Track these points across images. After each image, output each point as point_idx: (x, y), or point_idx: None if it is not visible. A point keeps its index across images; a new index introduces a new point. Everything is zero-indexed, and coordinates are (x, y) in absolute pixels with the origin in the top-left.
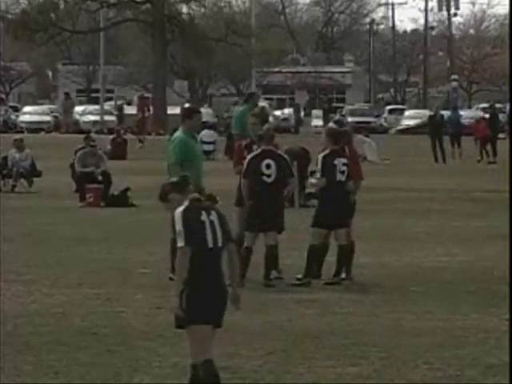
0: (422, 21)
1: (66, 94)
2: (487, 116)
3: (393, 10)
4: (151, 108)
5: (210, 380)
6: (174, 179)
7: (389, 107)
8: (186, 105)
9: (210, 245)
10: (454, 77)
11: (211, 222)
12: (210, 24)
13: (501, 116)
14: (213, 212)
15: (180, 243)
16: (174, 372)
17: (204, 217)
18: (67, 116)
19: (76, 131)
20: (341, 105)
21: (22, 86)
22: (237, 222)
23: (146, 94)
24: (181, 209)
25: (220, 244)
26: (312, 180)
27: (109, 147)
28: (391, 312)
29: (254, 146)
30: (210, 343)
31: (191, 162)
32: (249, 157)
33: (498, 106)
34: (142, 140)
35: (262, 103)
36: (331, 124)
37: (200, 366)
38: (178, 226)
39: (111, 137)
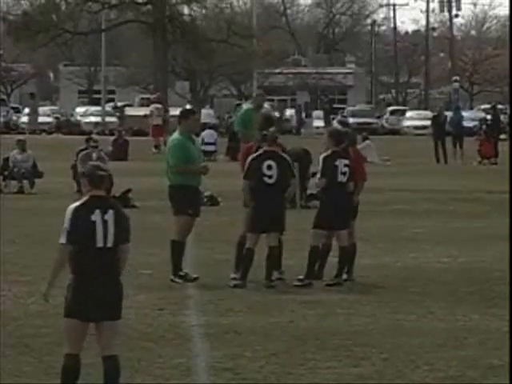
0: (423, 22)
1: (31, 94)
2: (489, 117)
3: (394, 11)
4: (169, 109)
5: (68, 374)
6: (91, 172)
7: (390, 108)
8: (188, 106)
9: (100, 244)
10: (455, 78)
11: (104, 222)
12: (212, 25)
13: (502, 117)
14: (110, 211)
15: (61, 239)
16: (175, 373)
17: (96, 216)
18: (32, 117)
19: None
20: (342, 106)
21: (23, 87)
22: (242, 222)
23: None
24: (75, 205)
25: (111, 244)
26: (316, 181)
27: (110, 148)
28: (392, 313)
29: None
30: (80, 338)
31: (189, 163)
32: (250, 158)
33: (499, 107)
34: (157, 145)
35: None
36: (335, 124)
37: (64, 357)
38: (66, 223)
39: (113, 138)
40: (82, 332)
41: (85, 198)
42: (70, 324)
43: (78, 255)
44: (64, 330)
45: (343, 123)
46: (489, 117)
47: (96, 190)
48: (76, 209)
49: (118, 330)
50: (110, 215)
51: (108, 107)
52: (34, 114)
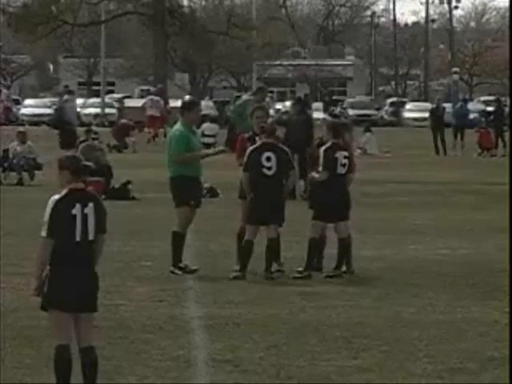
0: (423, 13)
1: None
2: (488, 109)
3: (394, 2)
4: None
5: (61, 365)
6: (75, 163)
7: (390, 100)
8: (187, 97)
9: (78, 238)
10: (454, 69)
11: (84, 216)
12: (211, 17)
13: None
14: (90, 204)
15: (42, 233)
16: (175, 365)
17: (76, 210)
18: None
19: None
20: (342, 97)
21: (23, 78)
22: (241, 214)
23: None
24: (55, 197)
25: (91, 237)
26: (314, 174)
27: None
28: (392, 305)
29: (257, 138)
30: (67, 329)
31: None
32: (249, 150)
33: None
34: (151, 132)
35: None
36: (326, 116)
37: (55, 349)
38: (46, 216)
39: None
40: (66, 321)
41: (65, 191)
42: (53, 315)
43: (57, 248)
44: (50, 321)
45: (333, 116)
46: (489, 109)
47: (77, 182)
48: (58, 201)
49: (93, 322)
50: (89, 208)
51: (108, 98)
52: None
